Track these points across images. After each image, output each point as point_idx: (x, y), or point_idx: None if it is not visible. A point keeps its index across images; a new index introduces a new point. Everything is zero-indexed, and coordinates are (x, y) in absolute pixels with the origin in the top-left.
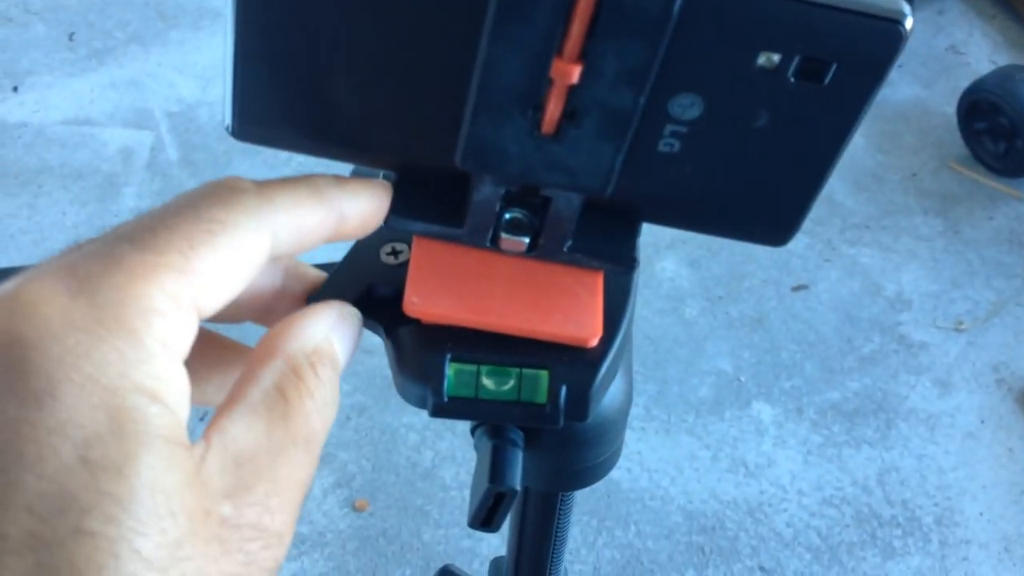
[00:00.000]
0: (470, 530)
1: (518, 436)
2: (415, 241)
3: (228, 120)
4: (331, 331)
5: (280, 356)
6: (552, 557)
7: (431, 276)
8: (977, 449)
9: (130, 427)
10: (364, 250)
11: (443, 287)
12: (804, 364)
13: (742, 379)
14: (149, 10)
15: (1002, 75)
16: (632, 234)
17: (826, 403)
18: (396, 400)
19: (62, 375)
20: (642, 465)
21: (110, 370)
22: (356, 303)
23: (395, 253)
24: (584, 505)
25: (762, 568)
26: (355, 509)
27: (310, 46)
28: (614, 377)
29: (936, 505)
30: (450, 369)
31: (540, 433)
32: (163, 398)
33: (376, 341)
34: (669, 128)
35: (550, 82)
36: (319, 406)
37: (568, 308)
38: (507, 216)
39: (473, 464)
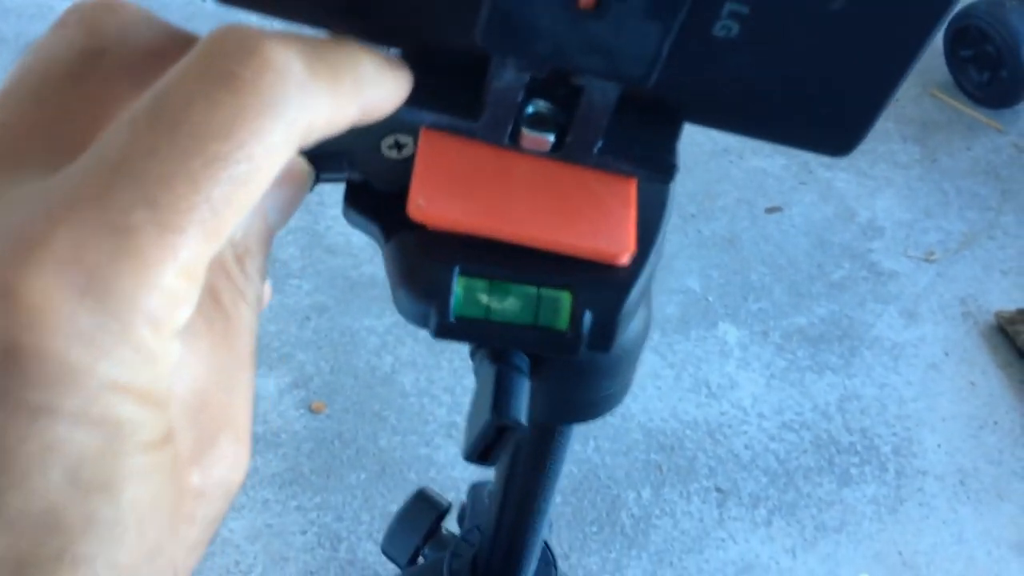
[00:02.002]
0: (426, 437)
1: (523, 362)
2: (423, 135)
3: None
4: (260, 205)
5: None
6: (543, 492)
7: (440, 176)
8: (939, 381)
9: (122, 443)
10: (362, 137)
11: (453, 189)
12: (773, 287)
13: (710, 299)
14: None
15: (992, 2)
16: (672, 136)
17: (792, 327)
18: (357, 302)
19: (61, 392)
20: None
21: (110, 383)
22: (350, 196)
23: (398, 146)
24: None
25: (718, 489)
26: (311, 411)
27: None
28: (640, 303)
29: (895, 435)
30: (458, 284)
31: (548, 360)
32: (157, 398)
33: (339, 239)
34: (728, 7)
35: None
36: (253, 308)
37: (596, 219)
38: (530, 109)
39: (435, 373)
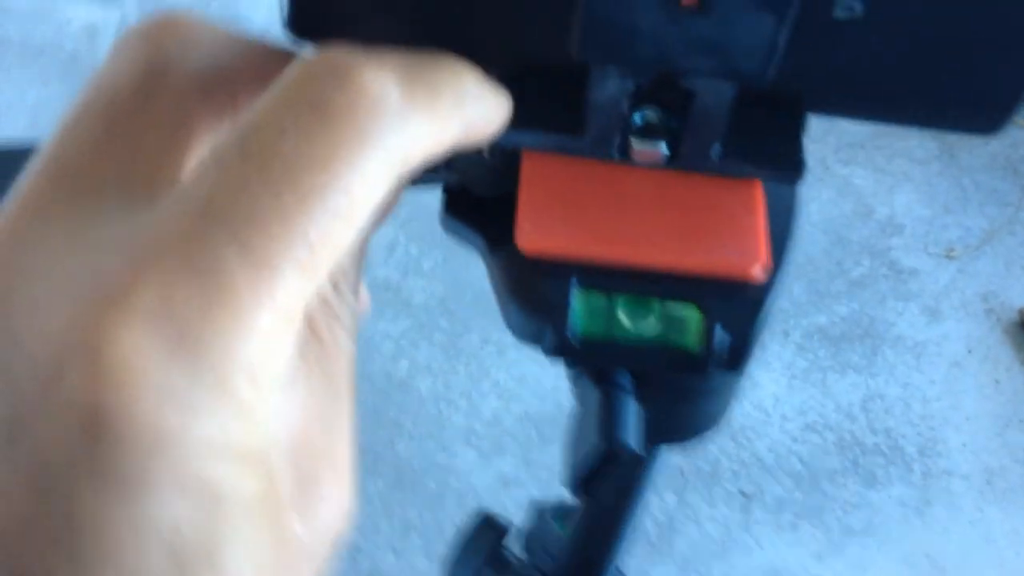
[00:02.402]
0: (444, 443)
1: (627, 379)
2: (524, 158)
3: (285, 13)
4: None
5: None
6: (630, 518)
7: (548, 200)
8: (963, 379)
9: (222, 508)
10: (468, 158)
11: (564, 213)
12: (792, 286)
13: None
14: None
15: None
16: (796, 130)
17: (813, 326)
18: (372, 306)
19: (154, 459)
20: None
21: (207, 445)
22: (450, 203)
23: (496, 152)
24: (563, 423)
25: (743, 493)
26: None
27: None
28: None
29: (919, 435)
30: (577, 299)
31: (653, 379)
32: (257, 453)
33: None
34: None
35: None
36: (349, 332)
37: (723, 231)
38: (637, 118)
39: (451, 377)
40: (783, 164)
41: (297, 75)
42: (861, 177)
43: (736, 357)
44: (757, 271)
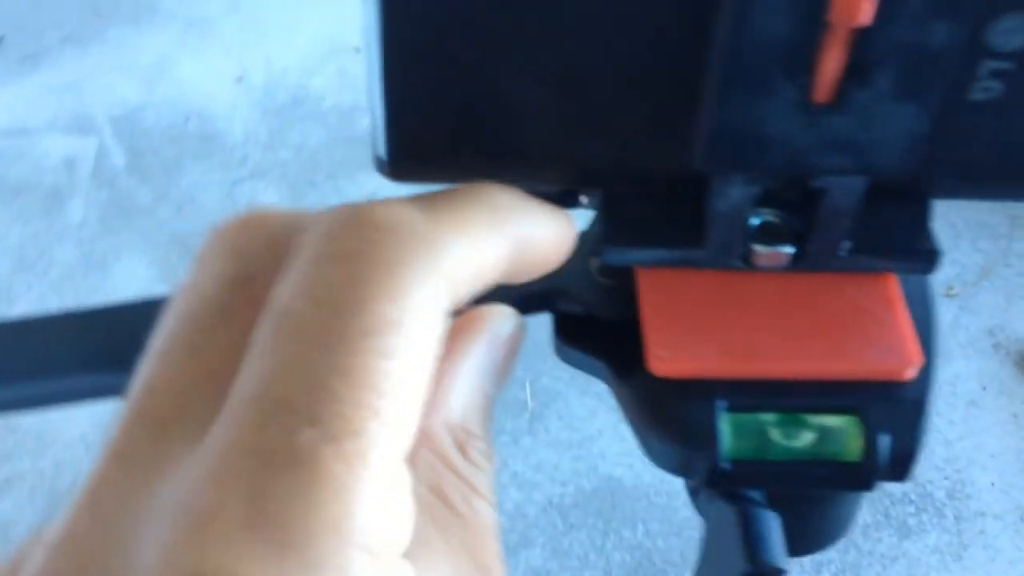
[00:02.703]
0: None
1: (760, 494)
2: (639, 275)
3: (382, 154)
4: (477, 378)
5: (422, 442)
6: None
7: (673, 316)
8: (981, 417)
9: None
10: (572, 266)
11: (694, 331)
12: None
13: None
14: (83, 8)
15: None
16: (924, 216)
17: None
18: None
19: None
20: (643, 460)
21: None
22: (563, 331)
23: (607, 272)
24: (588, 507)
25: None
26: None
27: (484, 43)
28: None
29: (946, 478)
30: (725, 423)
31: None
32: None
33: None
34: (988, 66)
35: (825, 28)
36: (489, 502)
37: (867, 331)
38: (755, 221)
39: None
40: (916, 254)
41: (315, 239)
42: None
43: (902, 464)
44: (911, 371)
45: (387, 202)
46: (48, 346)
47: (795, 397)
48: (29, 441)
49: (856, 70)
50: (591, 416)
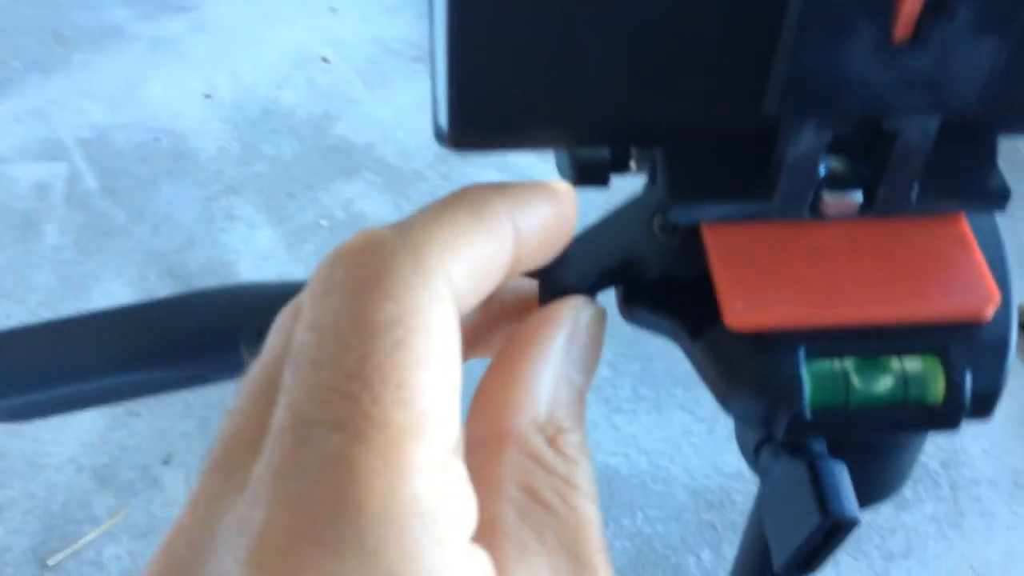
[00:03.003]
0: None
1: (822, 445)
2: (705, 231)
3: (443, 124)
4: (560, 371)
5: (509, 443)
6: None
7: (745, 270)
8: None
9: None
10: (627, 220)
11: (767, 282)
12: None
13: None
14: (46, 35)
15: None
16: (992, 155)
17: None
18: None
19: None
20: (639, 448)
21: None
22: (629, 293)
23: (671, 230)
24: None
25: None
26: None
27: (549, 2)
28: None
29: (940, 448)
30: (807, 371)
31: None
32: None
33: None
34: None
35: None
36: (589, 496)
37: (943, 273)
38: (822, 170)
39: None
40: (986, 193)
41: (308, 287)
42: None
43: (986, 403)
44: (990, 309)
45: (358, 232)
46: (72, 349)
47: (874, 341)
48: (20, 465)
49: (936, 6)
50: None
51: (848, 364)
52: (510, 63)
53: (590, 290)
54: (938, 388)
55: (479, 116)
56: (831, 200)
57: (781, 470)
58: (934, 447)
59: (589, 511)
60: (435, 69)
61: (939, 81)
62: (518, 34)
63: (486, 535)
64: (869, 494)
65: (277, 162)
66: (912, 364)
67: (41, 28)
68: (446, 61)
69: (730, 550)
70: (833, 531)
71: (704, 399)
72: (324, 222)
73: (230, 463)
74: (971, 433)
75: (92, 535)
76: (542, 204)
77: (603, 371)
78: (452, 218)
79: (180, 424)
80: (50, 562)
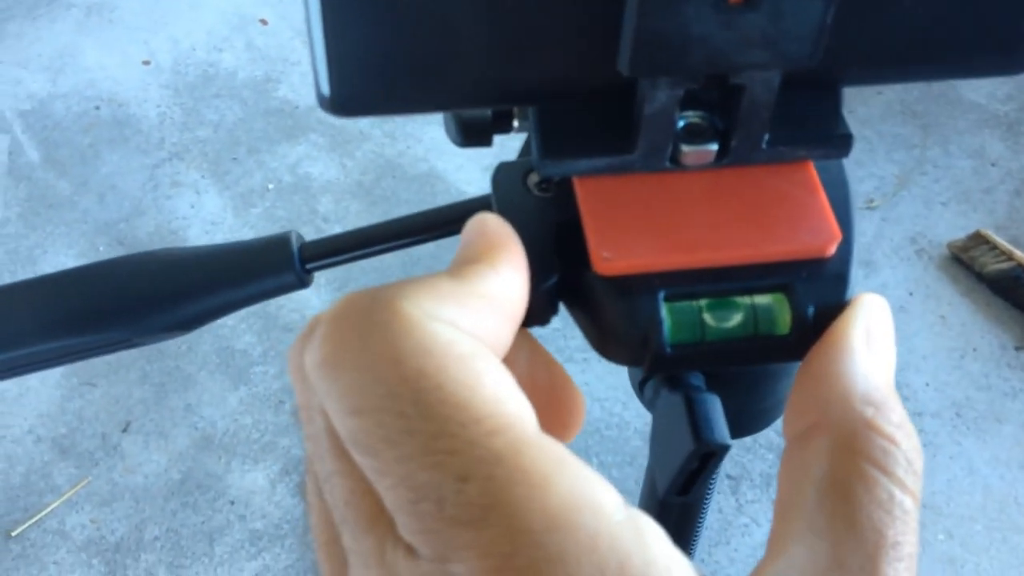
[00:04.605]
0: None
1: (699, 379)
2: (577, 185)
3: (325, 90)
4: (865, 356)
5: (820, 431)
6: (701, 516)
7: (613, 221)
8: (911, 321)
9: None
10: (512, 189)
11: (632, 230)
12: None
13: None
14: None
15: None
16: (836, 105)
17: None
18: None
19: None
20: (591, 395)
21: None
22: (544, 257)
23: (544, 184)
24: (571, 445)
25: (729, 476)
26: None
27: None
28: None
29: None
30: (666, 311)
31: (724, 375)
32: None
33: (294, 316)
34: None
35: None
36: (901, 481)
37: (789, 216)
38: (681, 123)
39: None
40: (831, 141)
41: (320, 352)
42: None
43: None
44: (832, 247)
45: (342, 300)
46: (8, 316)
47: (727, 282)
48: None
49: None
50: None
51: (703, 303)
52: (380, 29)
53: (545, 265)
54: (785, 321)
55: (356, 82)
56: (688, 151)
57: (662, 403)
58: None
59: (895, 502)
60: (312, 38)
61: (774, 38)
62: (388, 7)
63: (783, 514)
64: (745, 425)
65: (220, 127)
66: (761, 300)
67: None
68: (321, 30)
69: None
70: (706, 457)
71: None
72: (271, 185)
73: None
74: (914, 368)
75: (54, 505)
76: (505, 259)
77: (555, 322)
78: (426, 279)
79: (137, 391)
80: (14, 533)
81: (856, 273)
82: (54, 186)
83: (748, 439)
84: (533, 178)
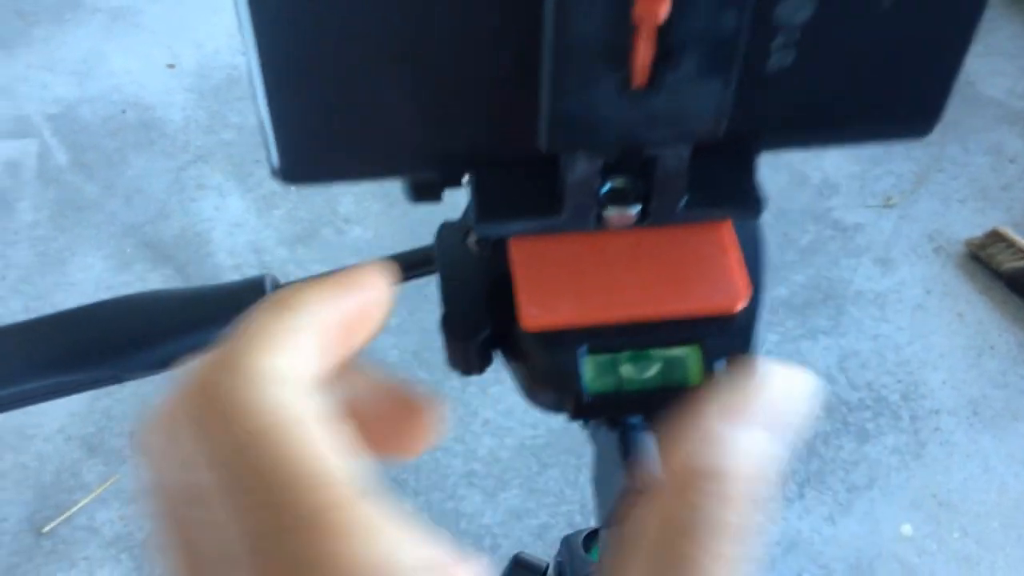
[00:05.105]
0: (449, 491)
1: (638, 417)
2: (511, 244)
3: (274, 162)
4: (712, 422)
5: (659, 491)
6: None
7: (542, 279)
8: (928, 320)
9: None
10: (453, 247)
11: (559, 288)
12: None
13: None
14: (4, 10)
15: None
16: (750, 170)
17: (776, 300)
18: None
19: None
20: None
21: None
22: (478, 311)
23: (481, 242)
24: (559, 446)
25: None
26: None
27: (346, 52)
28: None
29: (899, 381)
30: (586, 364)
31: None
32: None
33: None
34: (779, 40)
35: (634, 27)
36: (705, 546)
37: (703, 274)
38: (606, 187)
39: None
40: (744, 204)
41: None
42: None
43: None
44: (740, 304)
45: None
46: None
47: (643, 336)
48: (10, 438)
49: (664, 58)
50: None
51: (621, 356)
52: (321, 110)
53: (479, 320)
54: (696, 372)
55: (302, 156)
56: (612, 214)
57: (601, 438)
58: (894, 381)
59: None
60: (259, 116)
61: (677, 117)
62: (322, 86)
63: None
64: None
65: (244, 129)
66: (674, 353)
67: (1, 5)
68: (267, 113)
69: None
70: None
71: None
72: (293, 187)
73: None
74: (931, 365)
75: (84, 502)
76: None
77: None
78: (262, 319)
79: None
80: (44, 529)
81: (873, 271)
82: (82, 189)
83: None
84: (472, 237)
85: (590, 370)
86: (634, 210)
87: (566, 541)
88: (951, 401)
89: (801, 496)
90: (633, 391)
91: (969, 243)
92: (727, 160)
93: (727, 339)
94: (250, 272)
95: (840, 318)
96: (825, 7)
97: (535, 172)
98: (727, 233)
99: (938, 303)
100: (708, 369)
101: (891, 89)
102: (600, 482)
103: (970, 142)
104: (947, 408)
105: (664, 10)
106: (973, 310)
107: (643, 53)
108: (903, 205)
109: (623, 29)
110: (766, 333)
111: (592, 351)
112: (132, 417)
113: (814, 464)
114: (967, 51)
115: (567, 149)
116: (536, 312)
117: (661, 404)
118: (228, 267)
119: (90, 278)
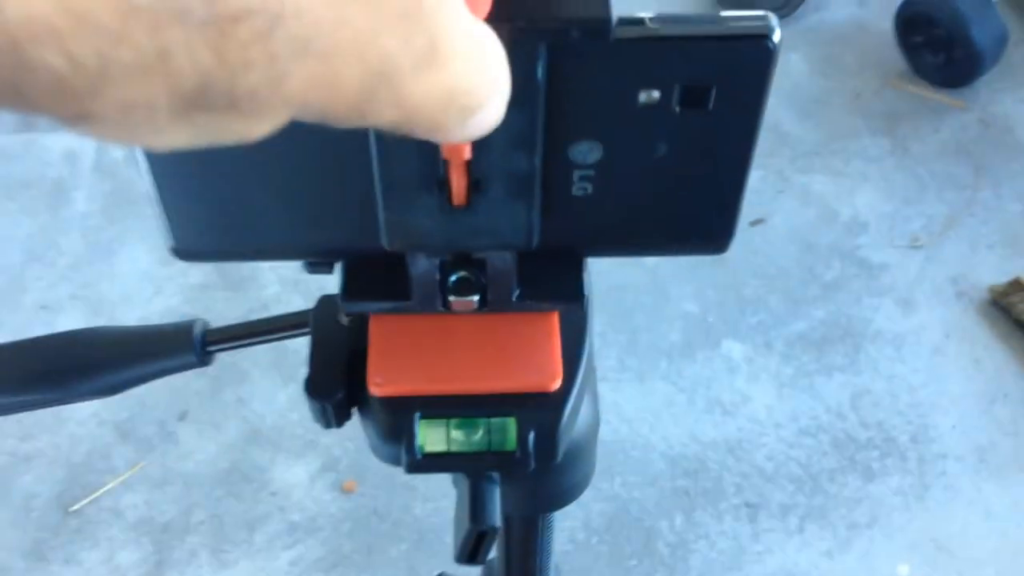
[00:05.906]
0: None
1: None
2: (372, 320)
3: (169, 243)
4: None
5: None
6: (539, 568)
7: (391, 352)
8: (944, 364)
9: None
10: (327, 317)
11: (404, 361)
12: (768, 298)
13: (709, 319)
14: None
15: None
16: (577, 269)
17: (793, 334)
18: None
19: None
20: (620, 416)
21: None
22: (338, 375)
23: (350, 316)
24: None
25: (748, 504)
26: (344, 491)
27: (224, 167)
28: (579, 411)
29: (910, 423)
30: (420, 427)
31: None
32: None
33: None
34: (577, 174)
35: (447, 161)
36: None
37: (526, 356)
38: (453, 278)
39: None
40: (567, 298)
41: None
42: (820, 183)
43: (547, 452)
44: (553, 384)
45: None
46: None
47: (470, 407)
48: (46, 419)
49: (475, 184)
50: None
51: (451, 422)
52: (207, 208)
53: (337, 382)
54: (512, 440)
55: (191, 241)
56: (455, 301)
57: (459, 483)
58: (904, 422)
59: None
60: (154, 207)
61: (493, 230)
62: (207, 191)
63: None
64: (556, 500)
65: None
66: (496, 422)
67: None
68: (159, 203)
69: (703, 515)
70: (480, 536)
71: (685, 370)
72: None
73: None
74: (943, 409)
75: (111, 484)
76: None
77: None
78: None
79: (194, 383)
80: (72, 508)
81: (894, 311)
82: (136, 183)
83: (770, 469)
84: (342, 311)
85: (423, 433)
86: (474, 299)
87: (487, 568)
88: (959, 447)
89: (801, 530)
90: (460, 452)
91: (993, 289)
92: (557, 261)
93: (539, 413)
94: (285, 274)
95: (857, 356)
96: (611, 152)
97: (393, 263)
98: (553, 323)
99: (956, 347)
100: (522, 438)
101: (682, 215)
102: (458, 522)
103: (1004, 187)
104: (954, 453)
105: (466, 152)
106: (991, 356)
107: (457, 181)
108: (931, 247)
109: (438, 163)
110: (782, 366)
111: (425, 416)
112: (164, 407)
113: (817, 499)
114: (744, 185)
115: (404, 249)
116: (381, 380)
117: (484, 467)
118: (264, 267)
119: (135, 270)
